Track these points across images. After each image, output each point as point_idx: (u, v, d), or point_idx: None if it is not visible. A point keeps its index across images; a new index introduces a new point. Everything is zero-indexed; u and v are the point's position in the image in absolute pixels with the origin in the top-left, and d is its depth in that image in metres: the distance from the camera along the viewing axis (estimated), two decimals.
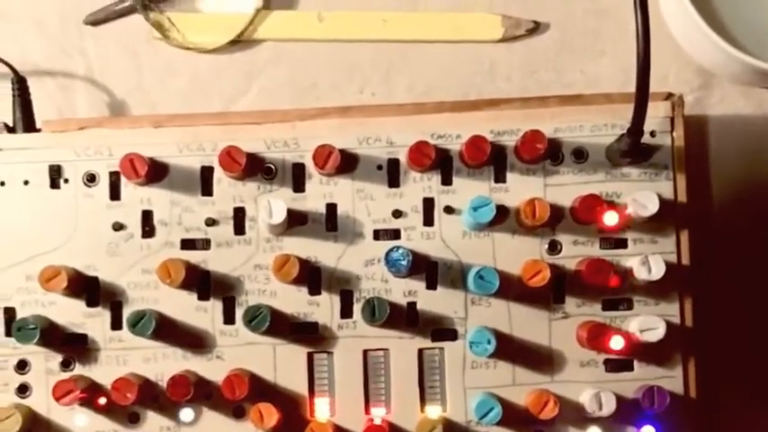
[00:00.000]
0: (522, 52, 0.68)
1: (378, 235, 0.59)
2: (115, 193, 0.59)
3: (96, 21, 0.69)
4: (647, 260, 0.57)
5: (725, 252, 0.66)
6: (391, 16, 0.68)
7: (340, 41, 0.68)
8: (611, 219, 0.58)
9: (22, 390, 0.59)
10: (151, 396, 0.58)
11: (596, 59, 0.67)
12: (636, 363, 0.59)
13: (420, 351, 0.59)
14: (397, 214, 0.59)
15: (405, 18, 0.68)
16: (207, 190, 0.59)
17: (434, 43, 0.68)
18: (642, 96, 0.52)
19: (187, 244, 0.59)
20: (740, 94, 0.67)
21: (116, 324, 0.59)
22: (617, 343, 0.58)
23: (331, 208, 0.59)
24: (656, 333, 0.57)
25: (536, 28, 0.68)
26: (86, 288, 0.59)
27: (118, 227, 0.59)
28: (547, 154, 0.58)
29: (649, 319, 0.57)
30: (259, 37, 0.68)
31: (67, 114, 0.67)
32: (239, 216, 0.59)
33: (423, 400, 0.59)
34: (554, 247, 0.59)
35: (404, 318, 0.59)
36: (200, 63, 0.68)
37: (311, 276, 0.59)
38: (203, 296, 0.59)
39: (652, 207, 0.57)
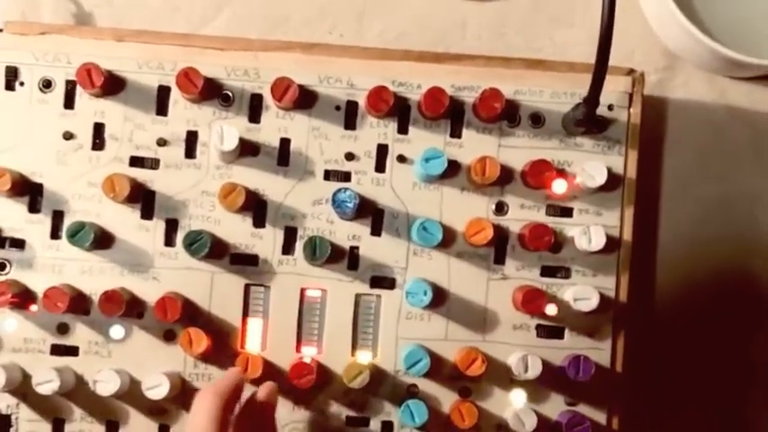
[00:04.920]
0: (495, 12, 0.67)
1: (328, 175, 0.59)
2: (69, 102, 0.59)
3: None
4: (589, 230, 0.58)
5: (669, 232, 0.66)
6: None
7: None
8: (559, 186, 0.59)
9: None
10: (83, 309, 0.58)
11: (567, 28, 0.67)
12: (567, 331, 0.60)
13: (357, 296, 0.59)
14: (350, 157, 0.59)
15: None
16: (162, 109, 0.59)
17: None
18: (601, 67, 0.52)
19: (136, 161, 0.59)
20: (704, 80, 0.67)
21: (55, 233, 0.59)
22: (551, 309, 0.59)
23: (285, 142, 0.59)
24: (589, 303, 0.58)
25: None
26: (30, 193, 0.59)
27: (68, 136, 0.59)
28: (504, 114, 0.59)
29: (584, 288, 0.58)
30: None
31: (31, 20, 0.66)
32: (191, 140, 0.59)
33: (354, 345, 0.59)
34: (501, 208, 0.59)
35: (345, 261, 0.59)
36: None
37: (257, 208, 0.59)
38: (146, 215, 0.59)
39: (600, 178, 0.58)
